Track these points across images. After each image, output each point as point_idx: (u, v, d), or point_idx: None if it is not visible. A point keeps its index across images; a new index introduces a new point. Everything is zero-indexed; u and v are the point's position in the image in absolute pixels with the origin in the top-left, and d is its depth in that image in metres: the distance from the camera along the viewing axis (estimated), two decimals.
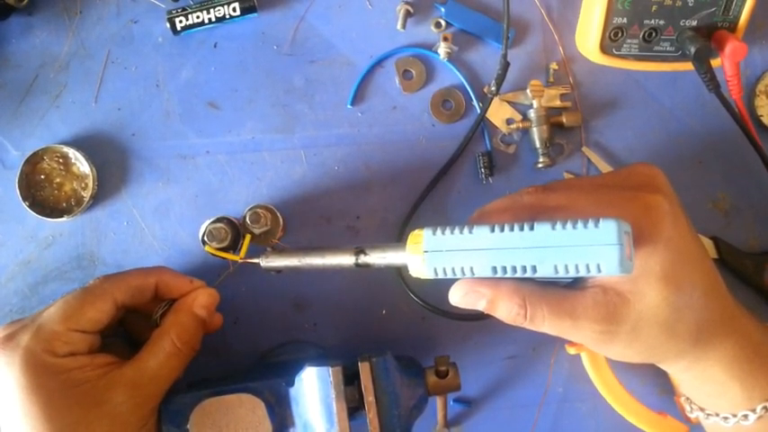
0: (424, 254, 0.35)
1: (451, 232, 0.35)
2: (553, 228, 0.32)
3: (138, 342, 0.44)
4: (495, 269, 0.34)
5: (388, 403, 0.42)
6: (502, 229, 0.34)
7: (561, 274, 0.32)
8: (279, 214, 0.49)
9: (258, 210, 0.47)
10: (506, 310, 0.37)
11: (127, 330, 0.47)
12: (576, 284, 0.38)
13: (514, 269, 0.33)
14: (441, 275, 0.36)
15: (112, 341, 0.45)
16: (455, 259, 0.35)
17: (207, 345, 0.45)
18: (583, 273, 0.32)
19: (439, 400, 0.47)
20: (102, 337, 0.42)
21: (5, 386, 0.38)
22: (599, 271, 0.31)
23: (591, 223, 0.31)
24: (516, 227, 0.33)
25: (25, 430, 0.38)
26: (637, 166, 0.40)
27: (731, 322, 0.39)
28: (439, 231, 0.35)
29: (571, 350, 0.51)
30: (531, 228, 0.33)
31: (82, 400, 0.39)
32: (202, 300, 0.44)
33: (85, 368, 0.40)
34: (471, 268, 0.34)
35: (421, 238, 0.36)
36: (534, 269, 0.33)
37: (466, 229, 0.35)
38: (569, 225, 0.32)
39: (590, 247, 0.31)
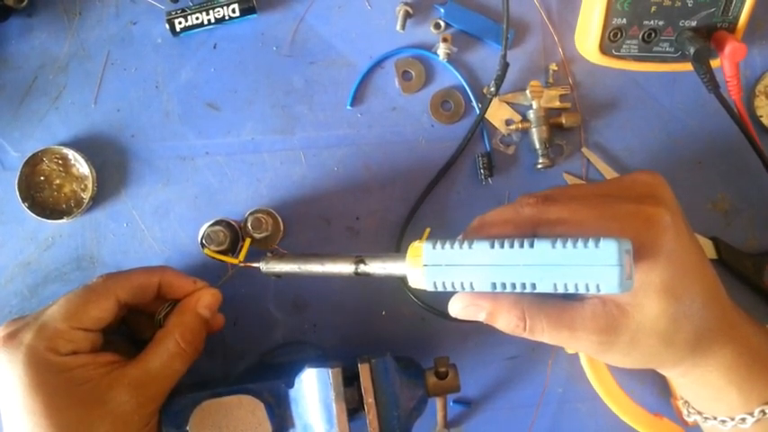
0: (423, 267, 0.36)
1: (451, 246, 0.35)
2: (553, 246, 0.32)
3: (140, 340, 0.44)
4: (494, 285, 0.34)
5: (387, 404, 0.42)
6: (502, 245, 0.34)
7: (560, 291, 0.33)
8: (280, 219, 0.49)
9: (260, 216, 0.47)
10: (506, 322, 0.37)
11: (129, 328, 0.47)
12: (575, 295, 0.38)
13: (513, 286, 0.34)
14: (440, 289, 0.36)
15: (115, 339, 0.45)
16: (454, 274, 0.35)
17: (207, 346, 0.45)
18: (582, 291, 0.32)
19: (439, 401, 0.47)
20: (105, 335, 0.42)
21: (8, 384, 0.38)
22: (598, 290, 0.32)
23: (591, 243, 0.32)
24: (516, 243, 0.33)
25: (28, 428, 0.38)
26: (639, 175, 0.39)
27: (730, 330, 0.39)
28: (439, 245, 0.35)
29: (569, 349, 0.51)
30: (531, 245, 0.33)
31: (84, 399, 0.39)
32: (206, 300, 0.44)
33: (88, 367, 0.40)
34: (471, 283, 0.35)
35: (421, 251, 0.36)
36: (534, 286, 0.33)
37: (466, 244, 0.35)
38: (569, 244, 0.32)
39: (590, 266, 0.31)
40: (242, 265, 0.46)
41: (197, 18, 0.49)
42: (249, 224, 0.47)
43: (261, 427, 0.42)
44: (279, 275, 0.45)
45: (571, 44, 0.53)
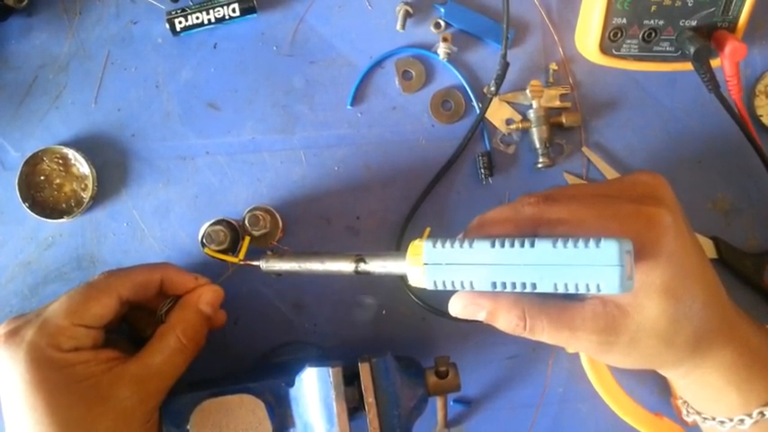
0: (424, 266, 0.36)
1: (452, 245, 0.35)
2: (554, 245, 0.32)
3: (141, 338, 0.44)
4: (494, 284, 0.34)
5: (388, 404, 0.42)
6: (502, 245, 0.34)
7: (561, 291, 0.32)
8: (278, 216, 0.49)
9: (257, 212, 0.47)
10: (506, 321, 0.37)
11: (130, 326, 0.47)
12: (576, 295, 0.38)
13: (514, 285, 0.33)
14: (440, 287, 0.36)
15: (116, 337, 0.45)
16: (455, 273, 0.35)
17: (207, 345, 0.45)
18: (582, 291, 0.32)
19: (439, 401, 0.47)
20: (106, 332, 0.43)
21: (10, 381, 0.38)
22: (599, 290, 0.31)
23: (592, 243, 0.31)
24: (517, 243, 0.33)
25: (30, 425, 0.38)
26: (640, 175, 0.39)
27: (729, 331, 0.39)
28: (439, 244, 0.35)
29: (570, 349, 0.51)
30: (532, 244, 0.33)
31: (86, 396, 0.39)
32: (208, 296, 0.44)
33: (90, 363, 0.40)
34: (471, 282, 0.35)
35: (421, 250, 0.36)
36: (534, 286, 0.33)
37: (466, 243, 0.35)
38: (570, 243, 0.32)
39: (590, 266, 0.31)
40: (242, 263, 0.46)
41: (197, 18, 0.49)
42: (247, 221, 0.47)
43: (261, 426, 0.42)
44: (279, 274, 0.45)
45: (571, 44, 0.53)
